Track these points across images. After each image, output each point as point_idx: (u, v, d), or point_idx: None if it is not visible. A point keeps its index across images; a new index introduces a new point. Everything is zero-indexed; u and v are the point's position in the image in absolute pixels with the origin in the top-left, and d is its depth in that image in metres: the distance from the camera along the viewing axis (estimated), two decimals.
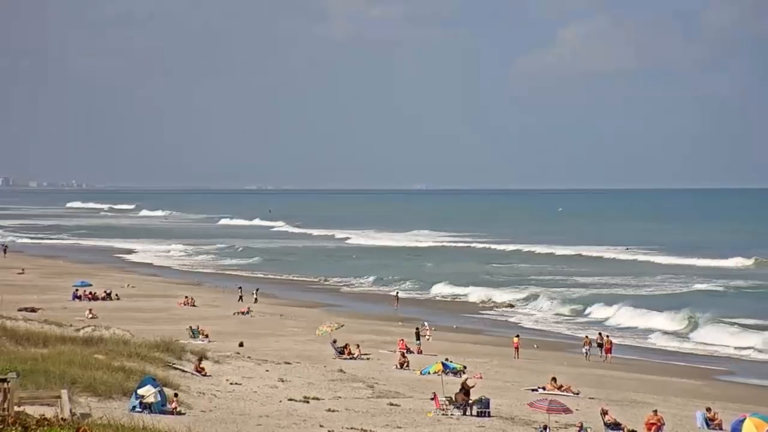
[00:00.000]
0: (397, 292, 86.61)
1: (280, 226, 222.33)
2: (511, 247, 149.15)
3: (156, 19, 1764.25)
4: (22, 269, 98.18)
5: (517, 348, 57.96)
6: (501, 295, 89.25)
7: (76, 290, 76.50)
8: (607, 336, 61.47)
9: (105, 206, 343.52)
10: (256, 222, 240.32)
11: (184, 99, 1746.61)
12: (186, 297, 76.30)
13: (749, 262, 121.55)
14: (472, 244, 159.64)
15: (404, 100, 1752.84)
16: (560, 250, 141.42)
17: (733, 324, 70.27)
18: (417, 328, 59.98)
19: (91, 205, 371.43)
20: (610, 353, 59.20)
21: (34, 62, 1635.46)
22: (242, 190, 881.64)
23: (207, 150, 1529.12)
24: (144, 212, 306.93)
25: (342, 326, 56.70)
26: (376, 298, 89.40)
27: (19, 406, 25.50)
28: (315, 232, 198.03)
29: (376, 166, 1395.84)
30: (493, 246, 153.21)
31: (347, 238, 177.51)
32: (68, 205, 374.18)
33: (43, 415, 22.51)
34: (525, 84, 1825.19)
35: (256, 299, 78.96)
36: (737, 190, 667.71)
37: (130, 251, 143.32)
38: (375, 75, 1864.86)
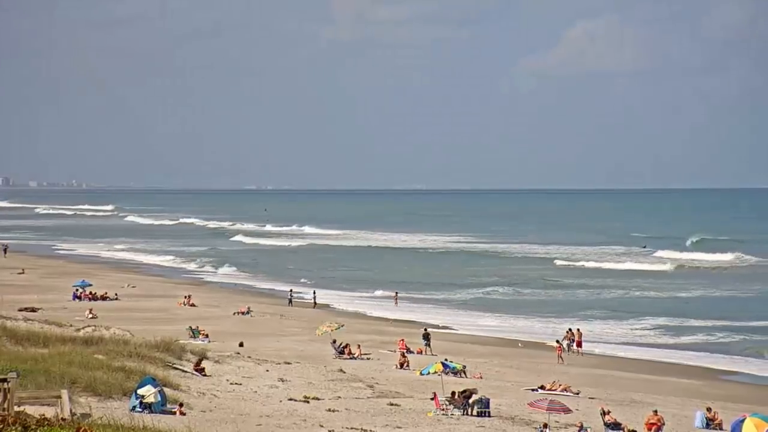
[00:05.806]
0: (396, 292, 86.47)
1: (202, 224, 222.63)
2: (399, 244, 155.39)
3: (158, 19, 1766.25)
4: (22, 269, 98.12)
5: (561, 351, 57.50)
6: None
7: (76, 290, 76.49)
8: (578, 330, 61.75)
9: (42, 207, 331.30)
10: (166, 222, 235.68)
11: (185, 99, 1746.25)
12: (185, 297, 76.25)
13: (666, 266, 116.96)
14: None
15: (405, 100, 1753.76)
16: (455, 245, 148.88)
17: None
18: (425, 329, 59.69)
19: (22, 204, 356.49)
20: (581, 347, 59.94)
21: (34, 62, 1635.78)
22: (241, 190, 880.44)
23: (208, 150, 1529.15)
24: (44, 211, 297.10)
25: (342, 326, 56.70)
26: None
27: (19, 406, 25.54)
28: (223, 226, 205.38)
29: (376, 166, 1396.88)
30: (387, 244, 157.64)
31: (236, 234, 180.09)
32: None
33: (44, 415, 22.54)
34: (528, 84, 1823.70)
35: (314, 303, 79.99)
36: (745, 190, 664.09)
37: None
38: (376, 75, 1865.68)
